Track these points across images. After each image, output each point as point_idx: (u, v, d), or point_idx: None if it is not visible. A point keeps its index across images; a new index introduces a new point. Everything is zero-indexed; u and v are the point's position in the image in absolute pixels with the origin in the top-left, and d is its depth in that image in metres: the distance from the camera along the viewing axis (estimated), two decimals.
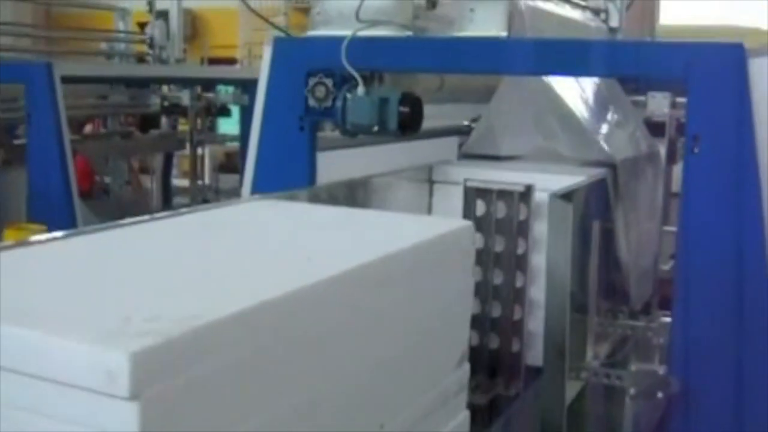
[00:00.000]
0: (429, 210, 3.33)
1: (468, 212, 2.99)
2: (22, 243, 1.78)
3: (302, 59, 3.10)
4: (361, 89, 2.98)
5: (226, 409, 1.30)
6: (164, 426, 1.17)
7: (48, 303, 1.36)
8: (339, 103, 3.00)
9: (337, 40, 2.95)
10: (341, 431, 1.60)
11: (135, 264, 1.66)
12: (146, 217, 2.05)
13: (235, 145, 7.30)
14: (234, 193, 6.71)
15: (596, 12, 4.14)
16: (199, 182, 7.35)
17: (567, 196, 2.59)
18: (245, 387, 1.34)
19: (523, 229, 2.95)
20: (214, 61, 14.69)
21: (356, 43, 2.94)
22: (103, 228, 1.91)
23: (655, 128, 4.31)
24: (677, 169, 4.25)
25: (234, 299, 1.37)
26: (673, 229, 4.26)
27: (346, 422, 1.62)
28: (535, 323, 2.87)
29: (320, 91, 3.05)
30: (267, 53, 3.21)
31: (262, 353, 1.37)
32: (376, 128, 2.97)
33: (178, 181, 8.43)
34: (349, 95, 2.99)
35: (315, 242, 1.89)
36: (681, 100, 4.12)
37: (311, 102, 3.06)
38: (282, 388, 1.44)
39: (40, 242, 1.79)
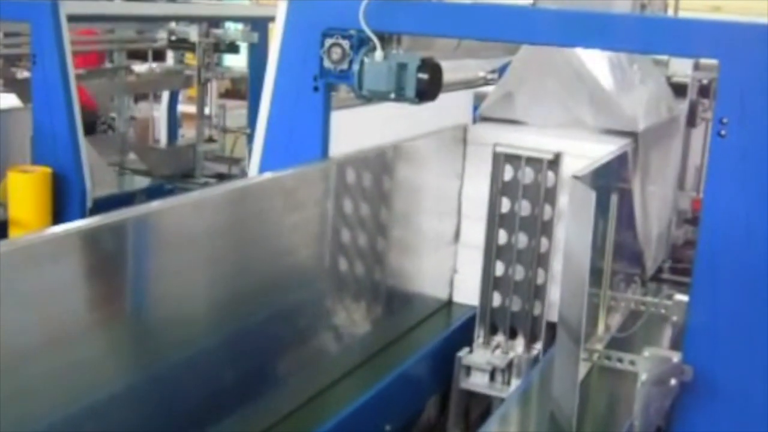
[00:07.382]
0: (462, 171, 3.65)
1: (496, 177, 3.35)
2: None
3: (318, 17, 2.99)
4: (378, 53, 2.87)
5: None
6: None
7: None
8: (356, 67, 2.90)
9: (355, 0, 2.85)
10: None
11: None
12: None
13: (242, 70, 7.12)
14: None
15: None
16: (206, 110, 7.18)
17: (589, 177, 2.52)
18: None
19: (550, 197, 3.34)
20: None
21: (375, 4, 2.83)
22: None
23: (677, 89, 4.21)
24: (696, 133, 4.17)
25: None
26: (689, 193, 4.22)
27: None
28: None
29: (336, 53, 2.94)
30: (282, 9, 3.09)
31: None
32: (393, 95, 2.87)
33: (183, 107, 8.27)
34: (366, 59, 2.88)
35: None
36: (705, 61, 4.02)
37: (326, 63, 2.96)
38: None
39: None
